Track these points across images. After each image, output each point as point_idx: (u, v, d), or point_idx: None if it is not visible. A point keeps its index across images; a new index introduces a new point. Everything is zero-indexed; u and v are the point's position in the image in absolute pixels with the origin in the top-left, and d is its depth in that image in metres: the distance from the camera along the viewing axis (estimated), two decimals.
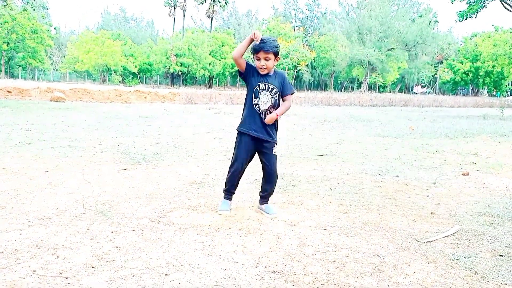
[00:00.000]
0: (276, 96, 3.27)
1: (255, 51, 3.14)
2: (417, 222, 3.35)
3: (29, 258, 2.43)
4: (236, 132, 3.36)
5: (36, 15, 43.87)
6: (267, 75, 3.24)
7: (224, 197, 3.47)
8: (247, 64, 3.21)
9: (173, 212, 3.40)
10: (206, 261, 2.48)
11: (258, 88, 3.22)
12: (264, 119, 3.23)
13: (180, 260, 2.48)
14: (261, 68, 3.18)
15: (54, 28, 60.71)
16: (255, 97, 3.23)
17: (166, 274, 2.30)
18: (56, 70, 57.37)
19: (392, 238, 2.97)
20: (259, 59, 3.17)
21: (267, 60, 3.15)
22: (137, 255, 2.53)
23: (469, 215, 3.54)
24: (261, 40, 3.11)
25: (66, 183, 4.19)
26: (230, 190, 3.45)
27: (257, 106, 3.23)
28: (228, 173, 3.41)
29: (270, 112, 3.24)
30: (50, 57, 55.34)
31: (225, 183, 3.47)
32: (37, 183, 4.12)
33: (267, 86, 3.23)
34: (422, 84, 67.46)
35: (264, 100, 3.24)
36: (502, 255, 2.69)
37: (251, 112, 3.25)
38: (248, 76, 3.24)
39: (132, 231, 2.94)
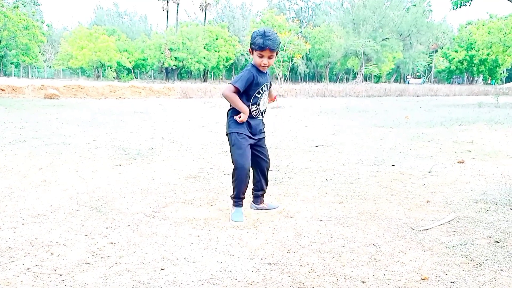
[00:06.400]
0: (267, 94, 3.14)
1: (261, 48, 2.84)
2: (413, 210, 3.35)
3: (23, 256, 2.41)
4: (228, 135, 3.08)
5: (27, 12, 43.40)
6: (264, 73, 3.02)
7: (235, 205, 3.12)
8: (241, 87, 2.91)
9: (168, 206, 3.38)
10: (202, 255, 2.47)
11: (260, 92, 2.99)
12: (259, 118, 3.12)
13: (175, 254, 2.47)
14: (262, 66, 2.93)
15: (47, 25, 60.16)
16: (254, 104, 3.01)
17: (162, 269, 2.28)
18: (50, 67, 56.97)
19: (388, 227, 2.97)
20: (262, 56, 2.88)
21: (270, 58, 2.91)
22: (132, 251, 2.52)
23: (465, 203, 3.54)
24: (267, 36, 2.83)
25: (60, 180, 4.16)
26: (239, 195, 3.09)
27: (255, 111, 3.04)
28: (234, 176, 3.04)
29: (265, 110, 3.15)
30: (43, 54, 54.90)
31: (233, 189, 3.09)
32: (31, 181, 4.09)
33: (266, 86, 3.04)
34: (418, 74, 67.52)
35: (264, 101, 3.08)
36: (497, 242, 2.69)
37: (249, 119, 3.01)
38: (247, 87, 2.95)
39: (127, 226, 2.92)
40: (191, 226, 2.95)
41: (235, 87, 2.91)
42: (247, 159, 3.02)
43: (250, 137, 3.06)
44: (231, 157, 3.09)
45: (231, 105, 3.06)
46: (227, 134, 3.10)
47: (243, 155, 3.00)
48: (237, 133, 3.01)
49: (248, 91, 2.97)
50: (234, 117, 3.00)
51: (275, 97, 3.30)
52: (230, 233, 2.83)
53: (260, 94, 3.03)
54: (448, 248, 2.59)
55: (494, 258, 2.45)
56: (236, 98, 2.94)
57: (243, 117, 2.95)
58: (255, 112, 3.06)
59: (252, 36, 2.92)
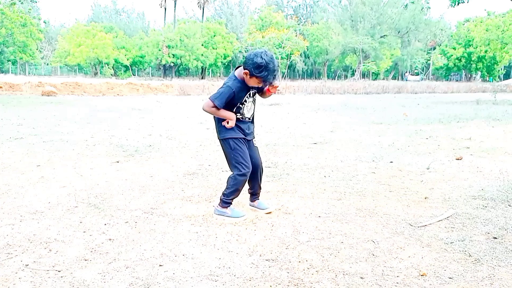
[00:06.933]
0: (255, 98, 3.08)
1: (266, 82, 2.80)
2: (411, 207, 3.35)
3: (21, 252, 2.41)
4: (222, 140, 3.03)
5: (23, 9, 43.11)
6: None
7: (226, 206, 3.06)
8: (220, 104, 2.86)
9: (166, 203, 3.38)
10: (200, 251, 2.47)
11: (244, 103, 2.95)
12: (249, 123, 3.07)
13: (174, 251, 2.47)
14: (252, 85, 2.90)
15: (44, 22, 59.87)
16: (238, 112, 2.97)
17: (160, 265, 2.28)
18: (47, 64, 56.74)
19: (387, 223, 2.98)
20: (259, 83, 2.84)
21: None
22: (130, 247, 2.51)
23: (463, 199, 3.55)
24: (275, 71, 2.77)
25: (58, 177, 4.15)
26: (236, 197, 3.09)
27: (241, 117, 3.00)
28: (235, 182, 2.98)
29: (253, 117, 3.09)
30: (40, 51, 54.63)
31: (230, 193, 3.02)
32: (29, 178, 4.08)
33: (250, 94, 2.98)
34: (416, 71, 67.55)
35: (249, 107, 3.03)
36: (495, 238, 2.70)
37: (237, 124, 2.98)
38: (231, 99, 2.90)
39: (126, 223, 2.92)
40: (189, 222, 2.95)
41: (214, 104, 2.86)
42: (250, 163, 3.00)
43: (244, 139, 3.03)
44: (229, 161, 3.03)
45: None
46: (221, 139, 3.04)
47: (247, 159, 2.98)
48: (234, 138, 2.97)
49: (231, 103, 2.92)
50: (222, 123, 2.96)
51: (268, 90, 3.06)
52: (228, 230, 2.82)
53: (243, 105, 2.98)
54: (447, 244, 2.60)
55: (492, 254, 2.45)
56: (216, 112, 2.89)
57: (230, 123, 2.92)
58: (242, 118, 3.01)
59: (256, 62, 2.74)
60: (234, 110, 2.95)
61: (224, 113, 2.91)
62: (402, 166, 4.83)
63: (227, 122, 2.92)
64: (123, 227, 2.83)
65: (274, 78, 2.82)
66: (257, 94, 3.11)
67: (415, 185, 4.00)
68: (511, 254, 2.45)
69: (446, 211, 3.23)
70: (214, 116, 3.02)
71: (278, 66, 2.82)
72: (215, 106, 2.86)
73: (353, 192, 3.75)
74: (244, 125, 3.03)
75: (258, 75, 2.76)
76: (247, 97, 2.96)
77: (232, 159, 3.00)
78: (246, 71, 2.80)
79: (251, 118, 3.10)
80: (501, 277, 2.19)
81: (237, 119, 2.98)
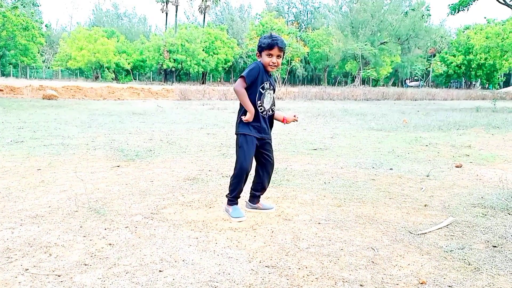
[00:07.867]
0: (274, 93, 3.21)
1: (270, 46, 2.98)
2: (411, 214, 3.36)
3: (21, 256, 2.41)
4: (236, 135, 3.16)
5: (26, 12, 43.25)
6: (269, 73, 3.12)
7: (230, 204, 3.19)
8: (248, 77, 2.99)
9: (166, 208, 3.38)
10: (200, 257, 2.47)
11: (263, 88, 3.06)
12: (266, 117, 3.14)
13: (174, 256, 2.47)
14: (271, 65, 3.04)
15: (46, 26, 60.14)
16: (259, 99, 3.06)
17: (160, 271, 2.28)
18: (48, 68, 56.87)
19: (386, 230, 2.98)
20: (271, 56, 3.01)
21: (278, 58, 3.03)
22: (130, 252, 2.51)
23: (463, 207, 3.55)
24: (274, 36, 3.00)
25: (58, 181, 4.15)
26: (237, 194, 3.19)
27: (260, 107, 3.08)
28: (235, 176, 3.11)
29: (272, 110, 3.19)
30: (41, 54, 54.81)
31: (231, 190, 3.17)
32: (29, 181, 4.08)
33: (270, 85, 3.12)
34: (415, 78, 67.75)
35: (268, 99, 3.12)
36: (495, 246, 2.70)
37: (254, 115, 3.06)
38: (253, 81, 3.02)
39: (126, 228, 2.92)
40: (189, 228, 2.96)
41: (242, 77, 2.98)
42: (250, 162, 3.09)
43: (257, 138, 3.11)
44: (236, 156, 3.15)
45: (240, 105, 3.11)
46: (236, 134, 3.19)
47: (247, 157, 3.06)
48: (246, 135, 3.08)
49: (255, 84, 3.03)
50: (241, 117, 3.09)
51: (284, 119, 3.32)
52: (228, 235, 2.83)
53: (264, 90, 3.08)
54: (446, 252, 2.60)
55: (492, 263, 2.45)
56: (245, 95, 3.00)
57: (248, 116, 3.03)
58: (261, 109, 3.10)
59: (259, 40, 3.07)
60: (256, 97, 3.05)
61: (248, 102, 3.01)
62: (401, 173, 4.83)
63: (245, 116, 3.05)
64: (123, 232, 2.83)
65: (276, 40, 2.99)
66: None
67: (414, 193, 4.01)
68: (510, 263, 2.45)
69: (446, 219, 3.23)
70: (238, 111, 3.16)
71: (283, 38, 3.11)
72: (244, 81, 2.98)
73: (353, 198, 3.76)
74: (262, 121, 3.11)
75: (260, 46, 3.03)
76: (267, 83, 3.08)
77: (237, 154, 3.13)
78: (257, 52, 3.09)
79: (268, 114, 3.17)
80: (500, 286, 2.19)
81: (257, 116, 3.07)
